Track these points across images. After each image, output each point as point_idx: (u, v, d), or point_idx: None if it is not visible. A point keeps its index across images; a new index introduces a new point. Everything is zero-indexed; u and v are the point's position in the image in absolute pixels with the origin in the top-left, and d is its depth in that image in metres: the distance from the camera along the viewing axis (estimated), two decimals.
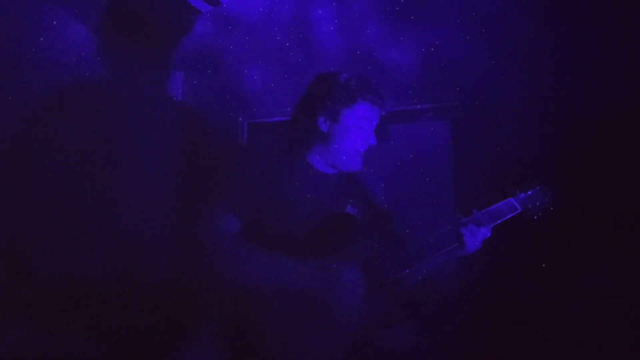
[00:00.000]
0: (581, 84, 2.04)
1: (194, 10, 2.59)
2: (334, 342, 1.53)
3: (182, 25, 2.59)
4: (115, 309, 2.03)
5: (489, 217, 1.70)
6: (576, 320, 1.86)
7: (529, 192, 1.81)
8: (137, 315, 2.06)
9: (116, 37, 2.27)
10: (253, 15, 2.57)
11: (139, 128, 2.32)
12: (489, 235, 1.68)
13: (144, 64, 2.36)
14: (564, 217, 1.80)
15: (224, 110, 2.66)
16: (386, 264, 1.62)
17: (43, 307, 1.86)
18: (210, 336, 1.57)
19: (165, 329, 1.93)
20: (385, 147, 2.44)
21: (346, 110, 1.67)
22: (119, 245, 2.13)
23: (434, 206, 2.25)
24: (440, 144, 2.44)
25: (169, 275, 2.13)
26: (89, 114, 2.15)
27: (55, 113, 2.04)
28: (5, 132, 1.87)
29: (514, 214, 1.75)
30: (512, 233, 1.76)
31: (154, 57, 2.47)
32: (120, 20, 2.29)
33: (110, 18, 2.26)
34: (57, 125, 2.02)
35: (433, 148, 2.42)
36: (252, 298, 1.51)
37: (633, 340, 1.77)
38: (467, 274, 1.90)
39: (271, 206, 1.58)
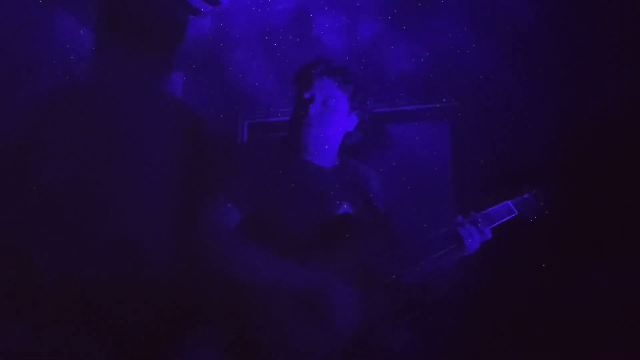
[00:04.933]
0: (581, 85, 2.03)
1: (194, 10, 2.60)
2: (332, 341, 1.54)
3: (182, 25, 2.60)
4: (115, 307, 2.03)
5: (486, 219, 1.70)
6: (573, 323, 1.87)
7: (526, 195, 1.83)
8: (137, 313, 2.06)
9: (116, 37, 2.27)
10: (253, 15, 2.57)
11: (139, 128, 2.32)
12: (489, 237, 1.68)
13: (144, 64, 2.36)
14: (560, 220, 1.81)
15: (224, 110, 2.67)
16: (384, 262, 1.63)
17: (44, 306, 1.86)
18: (209, 333, 1.58)
19: (166, 327, 1.94)
20: (385, 147, 2.44)
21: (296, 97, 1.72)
22: (120, 243, 2.13)
23: (433, 206, 2.25)
24: (440, 144, 2.44)
25: (170, 272, 2.14)
26: (89, 114, 2.15)
27: (56, 113, 2.04)
28: (6, 131, 1.88)
29: (510, 216, 1.76)
30: (509, 236, 1.76)
31: (153, 57, 2.48)
32: (120, 20, 2.30)
33: (110, 18, 2.27)
34: (58, 125, 2.03)
35: (433, 148, 2.42)
36: (249, 294, 1.51)
37: (630, 341, 1.77)
38: (465, 276, 1.91)
39: (268, 199, 1.59)
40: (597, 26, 2.03)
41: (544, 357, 1.90)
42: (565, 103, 2.06)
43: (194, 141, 2.53)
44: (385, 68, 2.35)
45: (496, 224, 1.72)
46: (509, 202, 1.78)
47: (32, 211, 1.91)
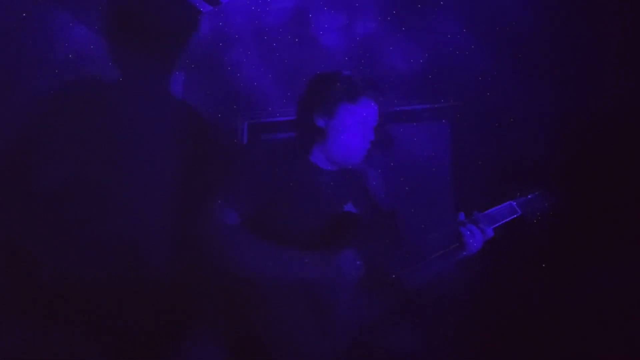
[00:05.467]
0: (581, 85, 2.04)
1: (194, 10, 2.59)
2: (334, 338, 1.54)
3: (183, 25, 2.59)
4: (116, 307, 2.03)
5: (489, 219, 1.69)
6: (573, 323, 1.87)
7: (529, 196, 1.82)
8: (138, 313, 2.06)
9: (116, 38, 2.27)
10: (253, 15, 2.57)
11: (139, 128, 2.32)
12: (491, 236, 1.68)
13: (144, 64, 2.35)
14: (560, 220, 1.81)
15: (224, 110, 2.67)
16: (386, 262, 1.63)
17: (44, 306, 1.86)
18: (212, 332, 1.58)
19: (166, 327, 1.94)
20: (385, 147, 2.44)
21: (342, 106, 1.69)
22: (120, 243, 2.13)
23: (432, 206, 2.25)
24: (440, 144, 2.44)
25: (171, 272, 2.14)
26: (90, 114, 2.15)
27: (58, 113, 2.04)
28: (8, 131, 1.88)
29: (514, 216, 1.76)
30: (511, 236, 1.76)
31: (153, 57, 2.47)
32: (120, 21, 2.29)
33: (111, 18, 2.26)
34: (57, 124, 2.02)
35: (433, 148, 2.43)
36: (253, 291, 1.51)
37: (631, 341, 1.77)
38: (465, 276, 1.91)
39: (272, 202, 1.60)
40: (597, 26, 2.03)
41: (544, 357, 1.90)
42: (564, 103, 2.06)
43: (194, 141, 2.53)
44: (384, 68, 2.35)
45: (499, 224, 1.71)
46: (512, 202, 1.78)
47: (33, 211, 1.90)
